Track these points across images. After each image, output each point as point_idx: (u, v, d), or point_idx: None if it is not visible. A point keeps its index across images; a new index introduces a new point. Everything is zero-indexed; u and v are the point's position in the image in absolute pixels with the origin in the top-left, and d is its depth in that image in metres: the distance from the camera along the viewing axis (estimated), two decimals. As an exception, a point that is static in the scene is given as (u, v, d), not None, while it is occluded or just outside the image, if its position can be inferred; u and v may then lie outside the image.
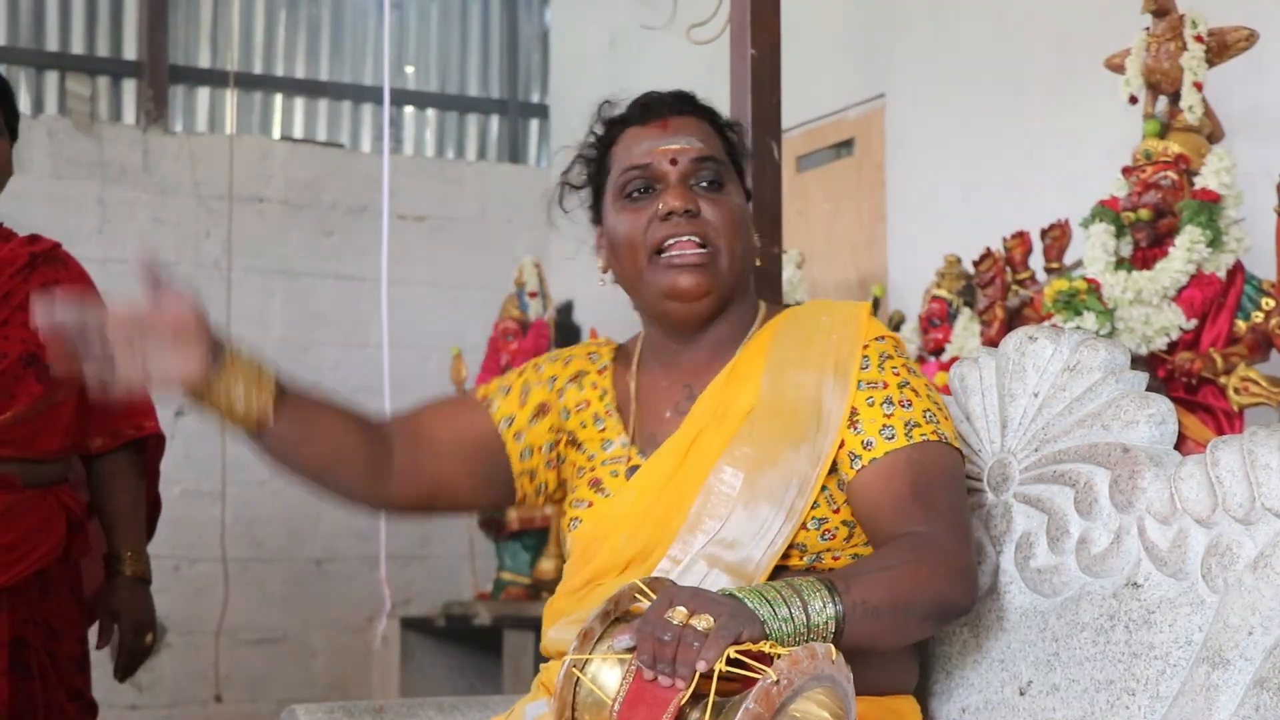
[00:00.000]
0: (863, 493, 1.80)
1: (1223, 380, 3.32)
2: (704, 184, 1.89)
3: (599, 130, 1.98)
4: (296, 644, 6.38)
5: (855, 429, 1.82)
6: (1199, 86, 3.40)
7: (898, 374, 1.85)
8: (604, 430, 1.95)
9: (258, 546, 6.27)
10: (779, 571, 1.78)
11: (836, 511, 1.82)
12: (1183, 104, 3.42)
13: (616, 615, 1.57)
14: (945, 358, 4.05)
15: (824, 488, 1.81)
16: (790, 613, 1.55)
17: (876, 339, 1.87)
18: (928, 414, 1.82)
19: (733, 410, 1.85)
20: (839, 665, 1.49)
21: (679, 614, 1.48)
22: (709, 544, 1.79)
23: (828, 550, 1.82)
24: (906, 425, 1.80)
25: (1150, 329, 3.36)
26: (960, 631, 1.97)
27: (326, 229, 6.66)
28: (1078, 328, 3.18)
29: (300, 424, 1.88)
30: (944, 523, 1.74)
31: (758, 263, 1.93)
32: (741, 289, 1.92)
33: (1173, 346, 3.38)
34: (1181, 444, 2.01)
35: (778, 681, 1.42)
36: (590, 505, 1.90)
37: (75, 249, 3.04)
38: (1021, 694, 1.87)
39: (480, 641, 5.88)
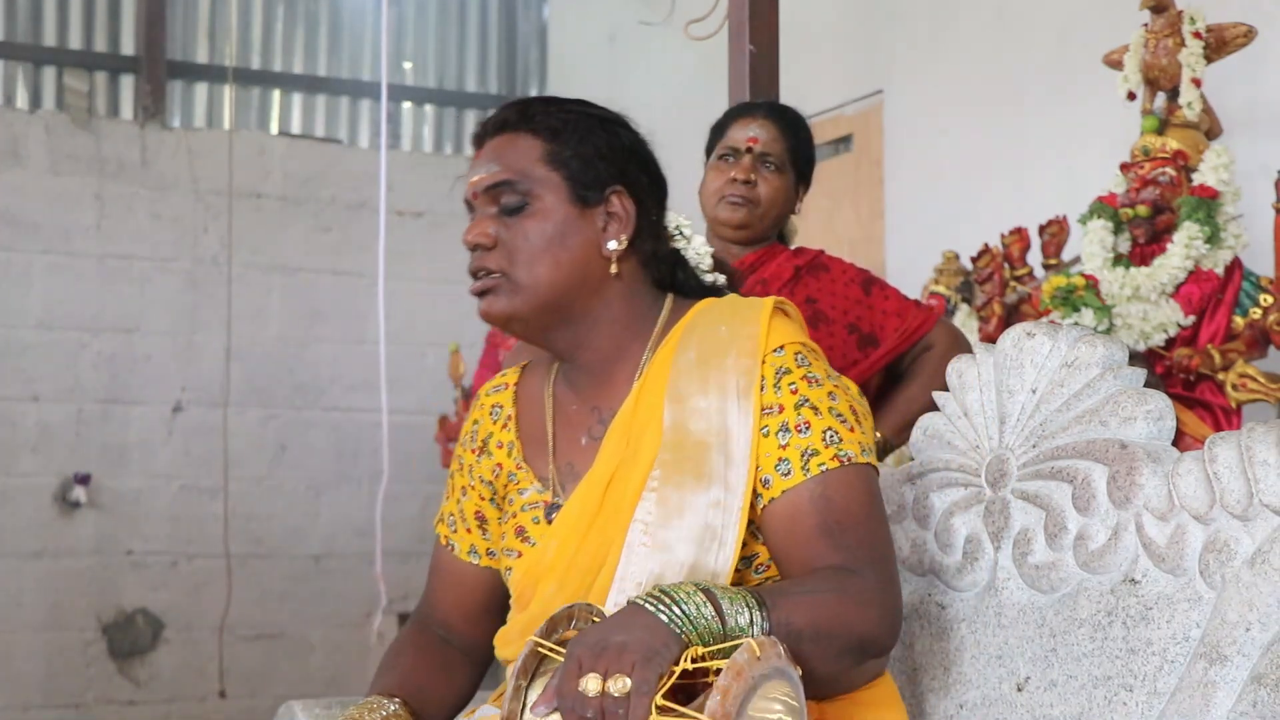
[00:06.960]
0: (768, 535, 1.70)
1: (1221, 376, 3.32)
2: (502, 211, 1.77)
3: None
4: (295, 639, 6.39)
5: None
6: (1197, 83, 3.40)
7: (795, 391, 1.72)
8: (517, 482, 1.87)
9: (257, 543, 6.27)
10: None
11: (764, 544, 1.73)
12: (1181, 100, 3.42)
13: (534, 671, 1.55)
14: (943, 354, 4.05)
15: (750, 522, 1.70)
16: (709, 614, 1.49)
17: (774, 351, 1.74)
18: (828, 434, 1.70)
19: (643, 446, 1.74)
20: (772, 653, 1.46)
21: (592, 684, 1.42)
22: None
23: (768, 581, 1.74)
24: (804, 456, 1.69)
25: (1148, 325, 3.36)
26: (958, 628, 1.97)
27: (324, 224, 6.67)
28: (1076, 324, 3.18)
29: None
30: (864, 559, 1.66)
31: (613, 269, 1.77)
32: (584, 303, 1.78)
33: (1171, 343, 3.38)
34: (1179, 440, 2.01)
35: (726, 691, 1.39)
36: (519, 555, 1.83)
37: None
38: (1019, 690, 1.87)
39: (478, 637, 5.87)
